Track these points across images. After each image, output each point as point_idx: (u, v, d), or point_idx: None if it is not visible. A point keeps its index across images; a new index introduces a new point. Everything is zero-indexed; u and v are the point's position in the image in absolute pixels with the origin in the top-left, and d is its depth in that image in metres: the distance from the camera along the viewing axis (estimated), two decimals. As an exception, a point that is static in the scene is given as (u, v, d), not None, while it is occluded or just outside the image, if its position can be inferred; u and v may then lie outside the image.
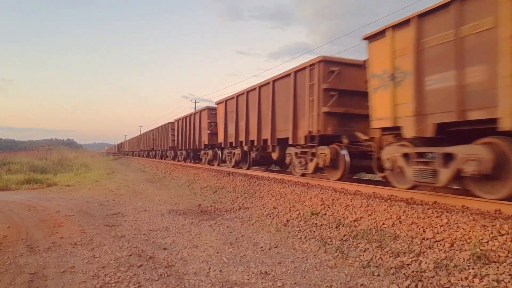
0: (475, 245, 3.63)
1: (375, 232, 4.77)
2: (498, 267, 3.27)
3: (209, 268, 4.03)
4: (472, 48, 4.70)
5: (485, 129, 4.72)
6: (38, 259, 4.32)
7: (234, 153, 13.76)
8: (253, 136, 11.66)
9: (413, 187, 6.04)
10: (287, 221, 6.22)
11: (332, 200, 6.36)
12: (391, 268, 3.79)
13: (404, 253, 4.03)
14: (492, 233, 3.73)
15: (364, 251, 4.39)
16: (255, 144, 11.51)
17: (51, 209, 7.74)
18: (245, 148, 12.50)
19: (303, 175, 9.15)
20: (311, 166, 8.52)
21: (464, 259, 3.55)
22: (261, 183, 9.20)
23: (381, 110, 6.27)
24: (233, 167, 13.90)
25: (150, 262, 4.23)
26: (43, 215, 7.02)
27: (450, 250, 3.80)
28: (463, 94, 4.81)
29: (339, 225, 5.40)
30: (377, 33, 6.29)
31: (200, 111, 18.07)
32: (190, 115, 19.92)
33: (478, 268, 3.35)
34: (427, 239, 4.15)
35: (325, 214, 6.03)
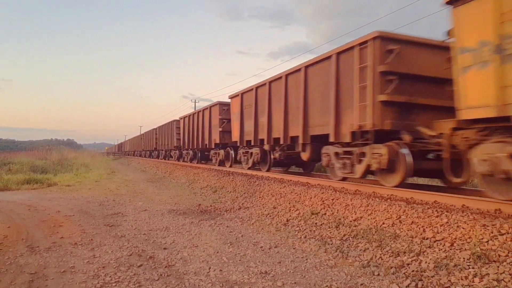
0: (475, 245, 3.64)
1: (375, 232, 4.78)
2: (498, 267, 3.27)
3: (209, 268, 4.03)
4: None
5: None
6: (39, 259, 4.33)
7: (251, 153, 12.27)
8: (277, 133, 10.12)
9: None
10: (287, 220, 6.22)
11: (332, 199, 6.36)
12: (391, 267, 3.79)
13: (404, 252, 4.04)
14: (492, 232, 3.74)
15: (364, 251, 4.39)
16: (281, 142, 9.91)
17: (51, 209, 7.75)
18: (266, 147, 10.94)
19: (343, 179, 7.78)
20: (360, 169, 6.91)
21: (464, 258, 3.55)
22: (261, 183, 9.20)
23: (476, 95, 4.80)
24: (249, 168, 12.45)
25: (150, 262, 4.24)
26: (43, 215, 7.03)
27: (450, 249, 3.80)
28: None
29: (339, 225, 5.40)
30: None
31: (211, 107, 16.34)
32: (199, 112, 18.17)
33: (478, 268, 3.35)
34: (427, 239, 4.16)
35: (325, 213, 6.03)
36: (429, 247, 3.99)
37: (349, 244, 4.71)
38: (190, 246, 4.95)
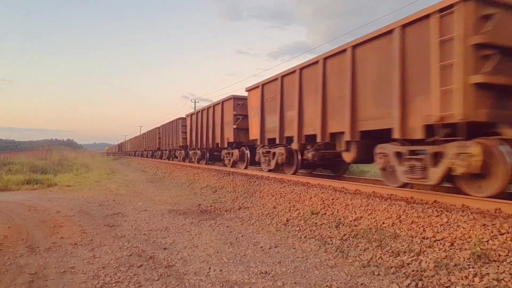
0: (475, 244, 3.64)
1: (375, 232, 4.78)
2: (498, 266, 3.27)
3: (209, 268, 4.03)
4: None
5: None
6: (39, 259, 4.33)
7: (274, 153, 10.59)
8: (310, 129, 8.53)
9: None
10: (287, 220, 6.22)
11: (332, 199, 6.36)
12: (391, 267, 3.79)
13: (404, 252, 4.04)
14: (492, 232, 3.74)
15: (364, 251, 4.39)
16: (318, 140, 8.20)
17: (52, 209, 7.75)
18: (295, 146, 9.22)
19: (404, 185, 6.26)
20: (436, 173, 5.33)
21: (464, 258, 3.56)
22: (261, 183, 9.20)
23: None
24: (270, 170, 10.98)
25: (150, 262, 4.24)
26: (43, 216, 7.03)
27: (450, 249, 3.80)
28: None
29: (339, 225, 5.40)
30: None
31: (223, 102, 14.40)
32: (209, 107, 16.30)
33: (478, 267, 3.35)
34: (427, 238, 4.16)
35: (325, 213, 6.03)
36: (429, 246, 3.99)
37: (349, 244, 4.71)
38: (190, 246, 4.95)
